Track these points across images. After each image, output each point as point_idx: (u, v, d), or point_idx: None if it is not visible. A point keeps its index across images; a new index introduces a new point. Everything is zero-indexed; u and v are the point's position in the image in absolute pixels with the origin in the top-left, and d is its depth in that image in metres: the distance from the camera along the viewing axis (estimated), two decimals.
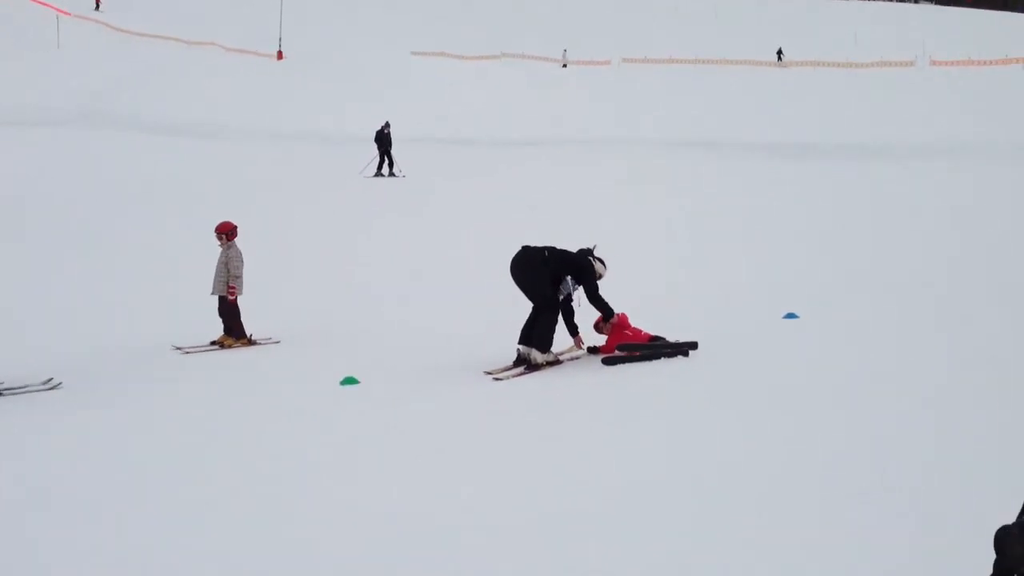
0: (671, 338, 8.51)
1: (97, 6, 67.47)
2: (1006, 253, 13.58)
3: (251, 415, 7.30)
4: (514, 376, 8.10)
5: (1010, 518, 4.19)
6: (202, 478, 5.72)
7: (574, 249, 8.55)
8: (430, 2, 67.25)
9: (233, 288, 10.17)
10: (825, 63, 47.26)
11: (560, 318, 8.42)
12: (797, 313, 10.06)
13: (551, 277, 8.29)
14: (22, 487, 5.72)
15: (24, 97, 42.06)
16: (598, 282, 8.48)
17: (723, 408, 6.68)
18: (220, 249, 10.37)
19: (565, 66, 51.38)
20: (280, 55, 54.64)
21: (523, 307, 8.45)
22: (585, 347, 8.61)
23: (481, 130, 36.14)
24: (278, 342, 10.31)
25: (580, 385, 7.65)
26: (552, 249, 8.43)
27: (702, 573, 4.09)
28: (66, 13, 63.39)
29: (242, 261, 10.29)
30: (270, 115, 39.50)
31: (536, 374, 8.12)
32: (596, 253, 8.59)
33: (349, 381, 8.08)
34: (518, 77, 46.95)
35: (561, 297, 8.37)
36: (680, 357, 8.26)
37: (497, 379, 8.06)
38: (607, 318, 8.45)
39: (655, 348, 8.28)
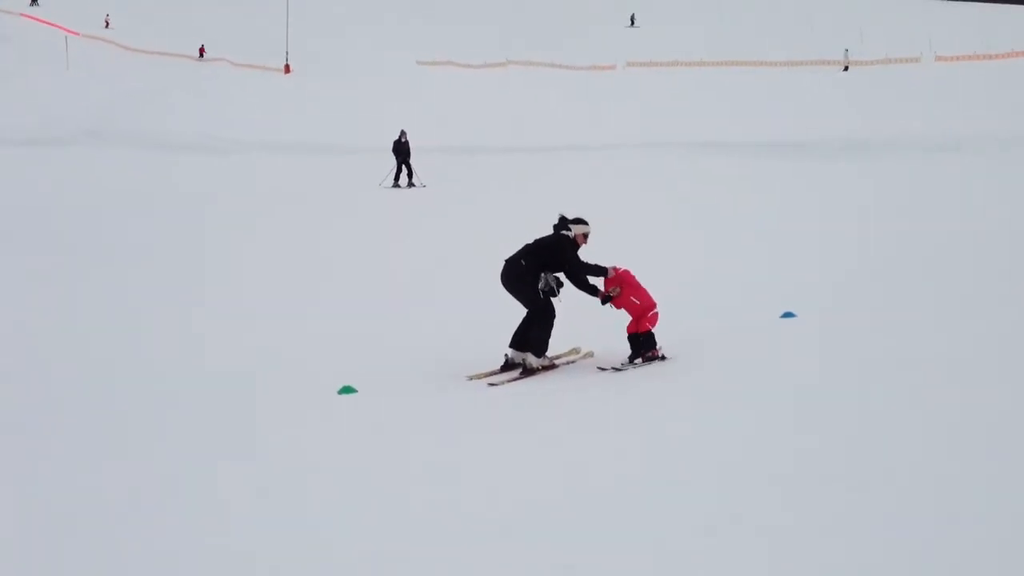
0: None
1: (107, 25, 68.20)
2: (1020, 250, 13.43)
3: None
4: (509, 381, 8.18)
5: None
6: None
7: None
8: (433, 12, 67.54)
9: None
10: (829, 61, 47.20)
11: (582, 291, 8.37)
12: (795, 312, 10.10)
13: (534, 280, 8.33)
14: None
15: (34, 117, 42.46)
16: (584, 244, 8.41)
17: (713, 409, 6.74)
18: None
19: (847, 69, 47.20)
20: (287, 69, 55.05)
21: (515, 311, 8.52)
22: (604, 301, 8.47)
23: (490, 137, 36.29)
24: None
25: (574, 390, 7.72)
26: (525, 251, 8.40)
27: (697, 570, 4.14)
28: (75, 33, 63.98)
29: None
30: (278, 129, 39.74)
31: (531, 379, 8.19)
32: (574, 214, 8.50)
33: (347, 390, 8.16)
34: (525, 84, 47.11)
35: (543, 294, 8.32)
36: (666, 360, 8.31)
37: (492, 384, 8.14)
38: (600, 274, 8.33)
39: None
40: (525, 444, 6.34)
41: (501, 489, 5.35)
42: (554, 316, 8.39)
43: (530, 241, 8.49)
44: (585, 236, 8.46)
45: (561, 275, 8.42)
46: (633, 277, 8.41)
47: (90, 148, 35.02)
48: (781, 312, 10.08)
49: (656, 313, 8.33)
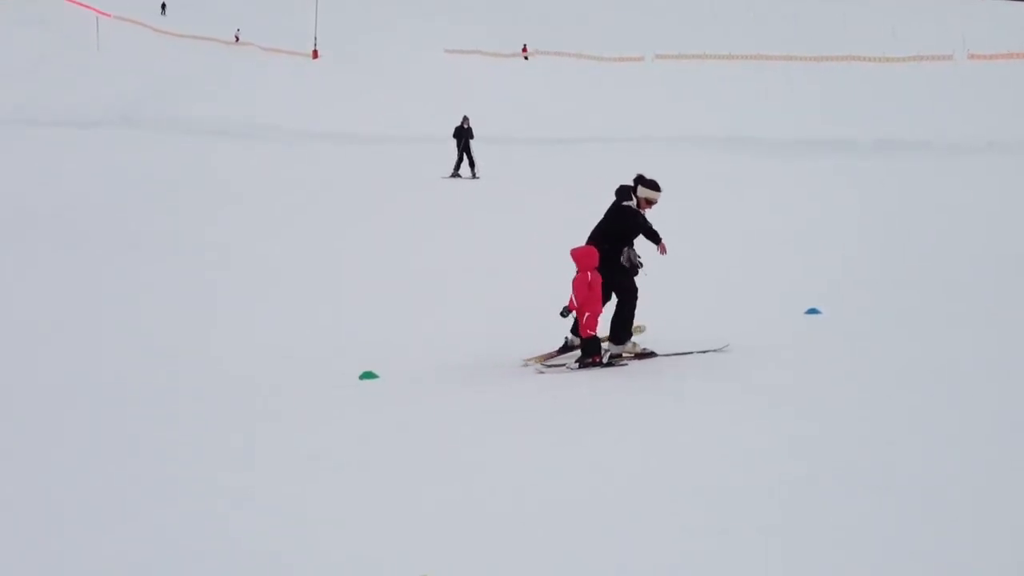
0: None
1: (163, 10, 67.80)
2: None
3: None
4: (558, 368, 8.07)
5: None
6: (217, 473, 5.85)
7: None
8: (462, 1, 67.44)
9: None
10: (862, 58, 46.73)
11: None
12: (819, 309, 10.04)
13: (616, 260, 8.00)
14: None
15: (64, 100, 42.77)
16: (647, 210, 8.10)
17: (733, 405, 6.72)
18: None
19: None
20: (315, 54, 55.14)
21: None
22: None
23: (516, 128, 36.23)
24: None
25: (603, 390, 7.65)
26: (600, 235, 8.06)
27: (713, 570, 4.13)
28: (106, 15, 64.28)
29: None
30: (306, 116, 39.79)
31: (577, 372, 8.06)
32: (645, 177, 8.19)
33: (368, 375, 8.13)
34: (552, 75, 46.96)
35: (628, 266, 8.08)
36: (697, 354, 8.28)
37: (541, 372, 8.02)
38: (656, 240, 8.02)
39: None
40: (549, 442, 6.28)
41: (524, 488, 5.30)
42: (635, 299, 8.09)
43: (596, 225, 8.16)
44: (648, 202, 8.10)
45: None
46: (587, 281, 7.98)
47: (120, 132, 35.26)
48: (806, 308, 10.05)
49: (589, 317, 7.97)
